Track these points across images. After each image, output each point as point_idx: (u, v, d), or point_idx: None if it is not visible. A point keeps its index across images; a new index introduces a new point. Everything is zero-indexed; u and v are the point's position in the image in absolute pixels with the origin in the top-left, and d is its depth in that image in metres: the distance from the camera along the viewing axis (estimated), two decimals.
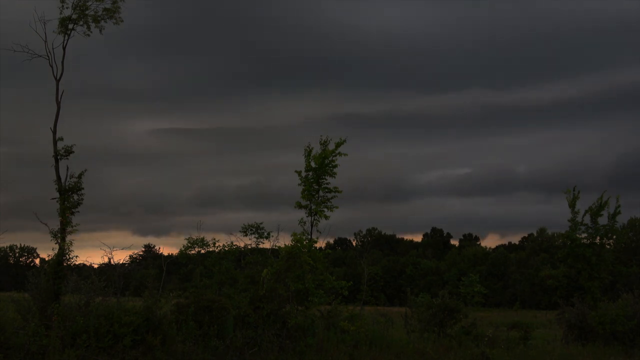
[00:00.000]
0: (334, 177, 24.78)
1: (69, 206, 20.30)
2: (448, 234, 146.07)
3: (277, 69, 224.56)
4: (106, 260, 21.87)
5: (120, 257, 32.10)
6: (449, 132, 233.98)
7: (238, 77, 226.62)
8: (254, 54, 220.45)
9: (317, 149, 24.86)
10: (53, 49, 21.20)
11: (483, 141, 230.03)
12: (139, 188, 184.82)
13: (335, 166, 24.73)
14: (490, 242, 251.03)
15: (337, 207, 24.70)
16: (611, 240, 31.66)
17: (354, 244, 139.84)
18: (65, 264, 20.07)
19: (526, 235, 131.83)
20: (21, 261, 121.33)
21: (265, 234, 25.01)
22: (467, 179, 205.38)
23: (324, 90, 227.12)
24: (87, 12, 21.24)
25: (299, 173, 24.99)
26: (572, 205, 30.87)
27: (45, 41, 21.10)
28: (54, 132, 20.91)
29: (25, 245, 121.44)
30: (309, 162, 24.78)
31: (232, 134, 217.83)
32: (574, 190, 30.89)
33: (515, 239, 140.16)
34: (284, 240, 24.40)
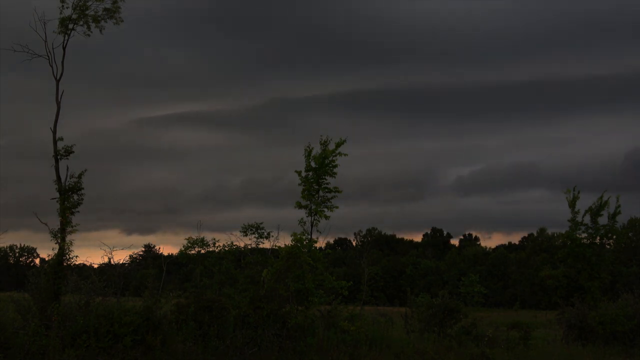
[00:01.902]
0: (334, 177, 24.80)
1: (69, 206, 20.31)
2: (448, 234, 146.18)
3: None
4: (106, 260, 21.90)
5: (120, 257, 32.10)
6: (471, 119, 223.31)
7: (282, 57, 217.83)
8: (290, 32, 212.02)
9: (317, 149, 24.88)
10: (53, 49, 21.24)
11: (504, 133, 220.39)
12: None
13: (336, 166, 24.74)
14: (491, 242, 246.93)
15: (337, 207, 24.72)
16: (611, 240, 31.68)
17: (354, 244, 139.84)
18: (65, 264, 20.08)
19: (526, 235, 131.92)
20: (21, 261, 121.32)
21: (265, 233, 25.02)
22: (479, 174, 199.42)
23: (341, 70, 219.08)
24: (87, 12, 21.26)
25: (299, 173, 25.00)
26: (572, 205, 30.89)
27: (45, 41, 21.14)
28: (54, 132, 20.92)
29: (25, 245, 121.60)
30: (309, 162, 24.78)
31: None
32: (574, 190, 30.92)
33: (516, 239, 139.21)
34: (284, 240, 24.44)
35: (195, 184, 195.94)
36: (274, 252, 24.94)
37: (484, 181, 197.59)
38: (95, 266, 22.61)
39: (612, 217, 30.71)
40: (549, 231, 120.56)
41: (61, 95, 21.34)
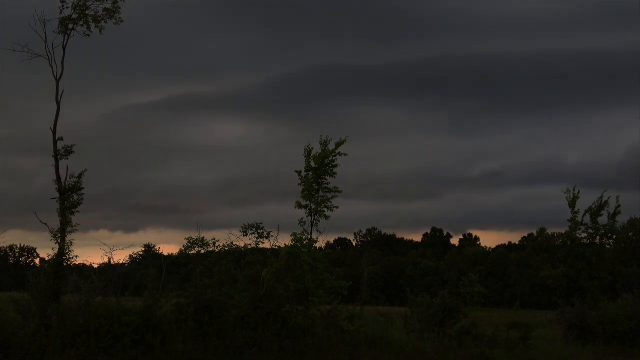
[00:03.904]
0: (334, 177, 24.82)
1: (68, 206, 20.31)
2: (448, 234, 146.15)
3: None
4: (106, 260, 21.90)
5: (120, 257, 32.08)
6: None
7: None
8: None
9: (317, 149, 24.88)
10: (53, 49, 21.24)
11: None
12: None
13: (336, 166, 24.76)
14: (492, 241, 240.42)
15: (337, 207, 24.73)
16: (611, 240, 31.65)
17: (354, 244, 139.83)
18: (65, 264, 20.08)
19: (526, 235, 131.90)
20: (21, 261, 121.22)
21: (265, 233, 25.01)
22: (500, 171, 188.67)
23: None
24: (87, 12, 21.26)
25: (299, 173, 25.01)
26: (572, 205, 30.86)
27: (46, 41, 21.14)
28: (54, 132, 20.93)
29: (25, 245, 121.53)
30: (309, 162, 24.79)
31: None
32: (574, 190, 30.91)
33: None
34: (284, 240, 24.42)
35: (209, 178, 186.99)
36: (274, 252, 24.94)
37: (496, 178, 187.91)
38: (95, 266, 22.64)
39: (612, 217, 30.70)
40: (549, 231, 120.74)
41: (61, 95, 21.35)
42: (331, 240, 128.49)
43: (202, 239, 24.27)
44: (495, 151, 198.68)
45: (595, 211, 30.69)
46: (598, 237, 30.61)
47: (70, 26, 21.23)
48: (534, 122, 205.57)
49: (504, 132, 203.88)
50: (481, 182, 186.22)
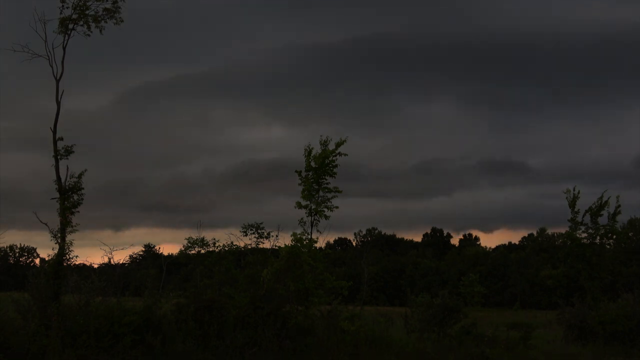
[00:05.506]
0: (334, 177, 24.81)
1: (68, 206, 20.31)
2: (448, 234, 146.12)
3: None
4: (106, 260, 21.91)
5: (120, 257, 32.09)
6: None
7: None
8: None
9: (317, 149, 24.88)
10: (53, 48, 21.24)
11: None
12: None
13: (336, 166, 24.75)
14: (491, 242, 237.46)
15: (337, 207, 24.73)
16: (611, 240, 31.65)
17: (354, 244, 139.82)
18: (65, 264, 20.08)
19: (526, 235, 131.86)
20: (21, 261, 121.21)
21: (265, 233, 25.01)
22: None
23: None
24: (87, 12, 21.26)
25: (299, 173, 25.00)
26: (572, 205, 30.86)
27: (46, 41, 21.14)
28: (54, 132, 20.92)
29: (25, 245, 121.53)
30: (309, 162, 24.79)
31: None
32: (573, 190, 30.92)
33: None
34: (284, 240, 24.42)
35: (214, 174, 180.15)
36: (274, 252, 24.93)
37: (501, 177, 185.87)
38: (95, 266, 22.65)
39: (612, 217, 30.70)
40: (549, 231, 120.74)
41: (61, 95, 21.35)
42: (331, 240, 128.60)
43: (202, 239, 24.28)
44: (498, 149, 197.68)
45: (595, 211, 30.69)
46: (598, 237, 30.62)
47: (70, 26, 21.23)
48: (546, 121, 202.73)
49: (510, 129, 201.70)
50: (484, 181, 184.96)
